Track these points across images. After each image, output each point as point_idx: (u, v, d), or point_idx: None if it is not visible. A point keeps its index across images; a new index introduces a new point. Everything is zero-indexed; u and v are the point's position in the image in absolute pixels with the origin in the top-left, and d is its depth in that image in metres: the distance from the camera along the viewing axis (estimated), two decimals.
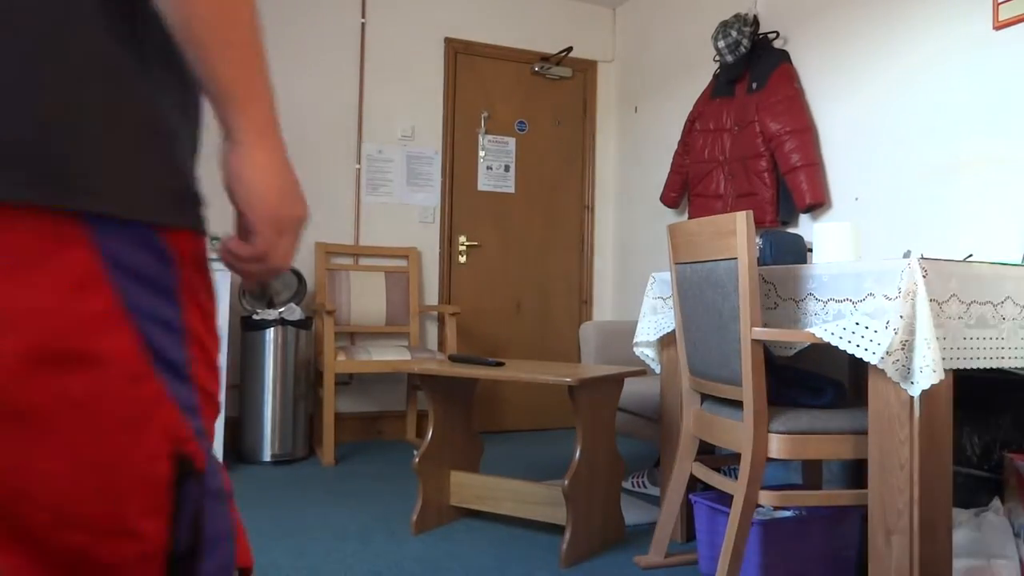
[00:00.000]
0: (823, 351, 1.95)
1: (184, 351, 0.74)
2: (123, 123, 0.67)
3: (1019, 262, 2.01)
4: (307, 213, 0.80)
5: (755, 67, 3.42)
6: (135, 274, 0.68)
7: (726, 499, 1.99)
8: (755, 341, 1.85)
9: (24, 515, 0.66)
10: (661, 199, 4.02)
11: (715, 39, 3.46)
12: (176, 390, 0.73)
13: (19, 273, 0.61)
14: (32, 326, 0.63)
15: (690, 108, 3.81)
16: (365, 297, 4.06)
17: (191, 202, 0.74)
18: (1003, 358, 1.77)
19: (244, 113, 0.74)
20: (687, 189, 3.84)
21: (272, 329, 3.54)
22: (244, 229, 0.78)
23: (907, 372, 1.65)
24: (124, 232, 0.66)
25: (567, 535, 2.31)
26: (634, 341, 2.61)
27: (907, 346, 1.65)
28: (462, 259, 4.48)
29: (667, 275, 2.52)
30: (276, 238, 0.77)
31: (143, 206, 0.68)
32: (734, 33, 3.39)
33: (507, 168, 4.60)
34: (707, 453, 2.38)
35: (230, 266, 0.80)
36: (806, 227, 3.24)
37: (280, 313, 3.59)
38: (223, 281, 3.24)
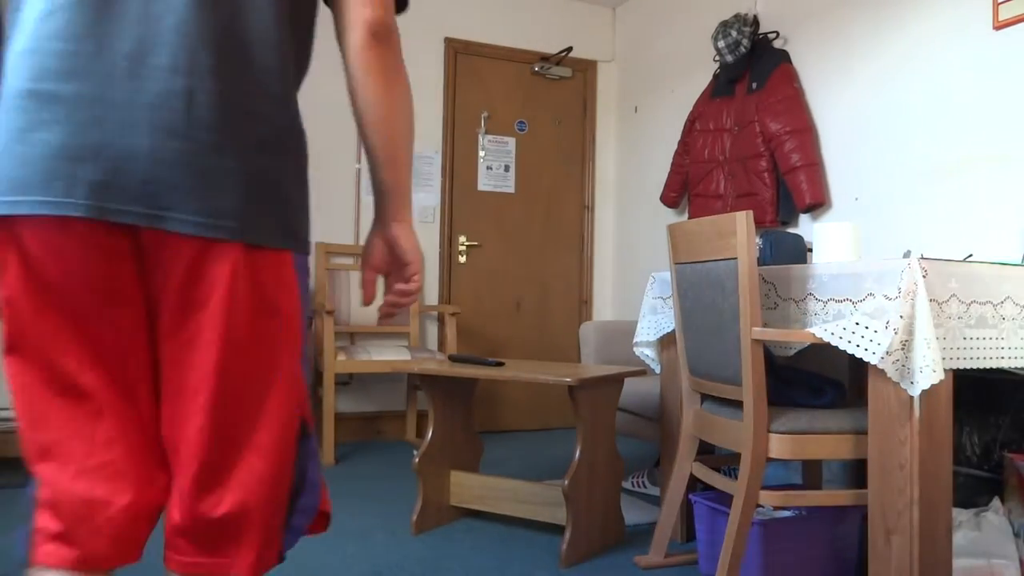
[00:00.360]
0: (823, 351, 1.95)
1: (307, 337, 1.12)
2: (305, 203, 1.09)
3: (1019, 262, 2.01)
4: None
5: (755, 67, 3.42)
6: (303, 277, 1.09)
7: (726, 499, 1.99)
8: (755, 341, 1.85)
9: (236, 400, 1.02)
10: (661, 199, 4.02)
11: (715, 39, 3.46)
12: (304, 364, 1.11)
13: (273, 277, 1.03)
14: (270, 297, 1.03)
15: (690, 108, 3.81)
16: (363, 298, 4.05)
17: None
18: (1003, 358, 1.77)
19: (406, 205, 1.17)
20: (687, 189, 3.84)
21: None
22: (403, 275, 1.22)
23: (907, 372, 1.65)
24: (302, 257, 1.08)
25: (567, 535, 2.31)
26: (634, 341, 2.61)
27: (907, 346, 1.65)
28: (462, 259, 4.48)
29: (667, 275, 2.52)
30: (420, 280, 1.23)
31: (307, 244, 1.10)
32: (734, 33, 3.39)
33: (507, 168, 4.60)
34: (707, 453, 2.38)
35: (394, 304, 1.25)
36: (806, 227, 3.24)
37: None
38: None
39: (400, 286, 1.22)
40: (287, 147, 1.04)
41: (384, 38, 1.10)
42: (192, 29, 0.95)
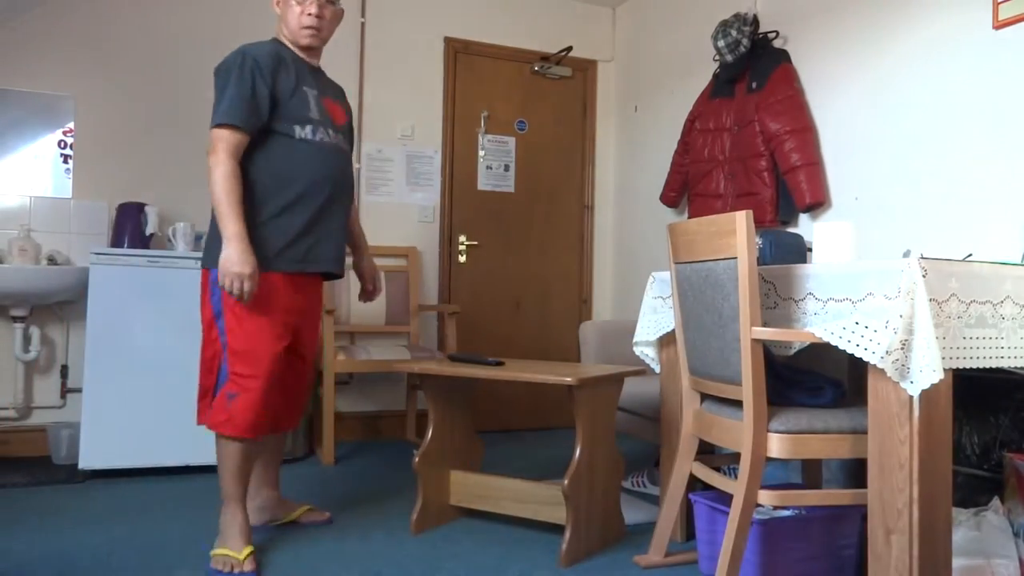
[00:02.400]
0: (823, 351, 1.95)
1: (221, 309, 2.26)
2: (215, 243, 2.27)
3: (1019, 262, 2.01)
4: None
5: (755, 67, 3.42)
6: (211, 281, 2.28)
7: (726, 498, 1.99)
8: (755, 341, 1.85)
9: None
10: (661, 199, 4.02)
11: (715, 38, 3.46)
12: (220, 326, 2.26)
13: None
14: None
15: (690, 108, 3.81)
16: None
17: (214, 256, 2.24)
18: (1003, 358, 1.77)
19: (224, 236, 2.16)
20: (687, 189, 3.84)
21: None
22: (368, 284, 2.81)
23: (907, 372, 1.65)
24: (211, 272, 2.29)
25: (567, 535, 2.31)
26: (634, 340, 2.61)
27: (907, 346, 1.65)
28: (462, 258, 4.48)
29: (667, 275, 2.52)
30: (379, 286, 2.85)
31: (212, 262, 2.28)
32: (734, 32, 3.39)
33: (507, 167, 4.60)
34: (707, 452, 2.38)
35: (367, 297, 2.83)
36: (806, 227, 3.24)
37: None
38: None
39: (365, 292, 2.85)
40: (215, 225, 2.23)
41: (209, 155, 2.18)
42: None
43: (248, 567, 2.17)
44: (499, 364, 2.57)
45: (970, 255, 2.21)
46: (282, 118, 2.29)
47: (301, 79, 2.36)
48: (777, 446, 1.85)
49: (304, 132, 2.32)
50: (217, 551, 2.22)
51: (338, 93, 2.60)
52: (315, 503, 2.81)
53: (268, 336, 2.25)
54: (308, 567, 2.25)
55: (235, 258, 2.12)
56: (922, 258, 1.67)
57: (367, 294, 2.78)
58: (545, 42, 4.66)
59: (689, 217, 3.82)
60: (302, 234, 2.31)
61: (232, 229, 2.13)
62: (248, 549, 2.22)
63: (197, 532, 2.51)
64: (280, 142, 2.29)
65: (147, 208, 3.57)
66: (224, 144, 2.17)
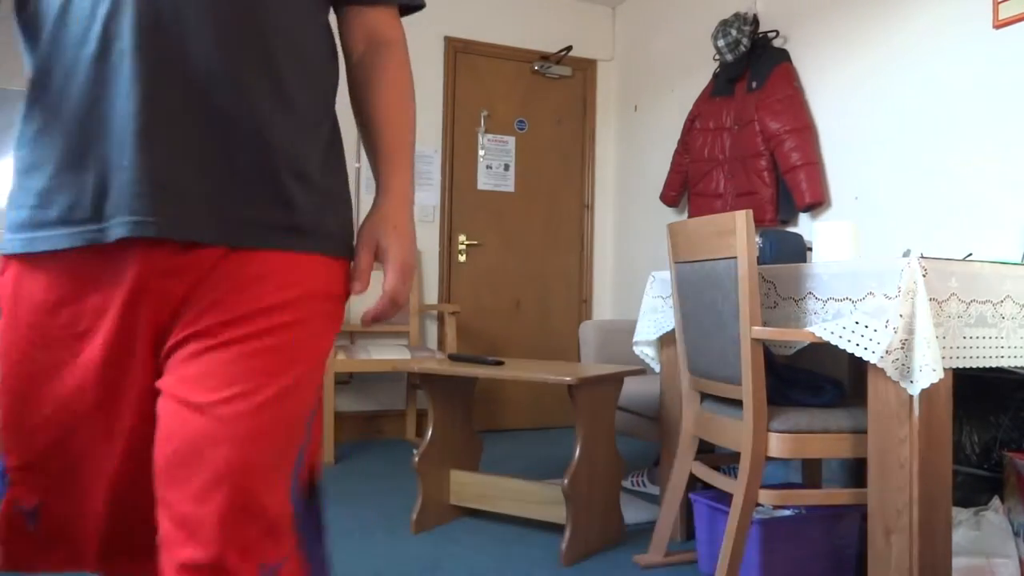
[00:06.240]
0: (823, 350, 1.95)
1: None
2: None
3: (1019, 262, 2.01)
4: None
5: (755, 66, 3.42)
6: None
7: (726, 498, 1.99)
8: (755, 340, 1.85)
9: None
10: (661, 198, 4.02)
11: (715, 38, 3.46)
12: None
13: None
14: None
15: (690, 107, 3.81)
16: (364, 296, 4.05)
17: None
18: (1003, 357, 1.77)
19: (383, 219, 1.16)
20: (687, 188, 3.84)
21: None
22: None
23: (907, 371, 1.65)
24: None
25: (567, 534, 2.31)
26: (634, 340, 2.61)
27: (907, 345, 1.65)
28: (462, 258, 4.48)
29: (667, 274, 2.52)
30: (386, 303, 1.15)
31: None
32: (734, 32, 3.39)
33: (507, 167, 4.60)
34: (707, 452, 2.38)
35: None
36: (806, 226, 3.24)
37: None
38: None
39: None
40: None
41: None
42: None
43: None
44: (499, 363, 2.57)
45: (970, 255, 2.21)
46: None
47: None
48: (777, 446, 1.84)
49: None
50: None
51: None
52: None
53: (27, 383, 0.96)
54: None
55: None
56: (922, 258, 1.67)
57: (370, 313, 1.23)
58: (545, 42, 4.66)
59: (689, 216, 3.82)
60: (61, 169, 0.95)
61: None
62: None
63: None
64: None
65: None
66: None
